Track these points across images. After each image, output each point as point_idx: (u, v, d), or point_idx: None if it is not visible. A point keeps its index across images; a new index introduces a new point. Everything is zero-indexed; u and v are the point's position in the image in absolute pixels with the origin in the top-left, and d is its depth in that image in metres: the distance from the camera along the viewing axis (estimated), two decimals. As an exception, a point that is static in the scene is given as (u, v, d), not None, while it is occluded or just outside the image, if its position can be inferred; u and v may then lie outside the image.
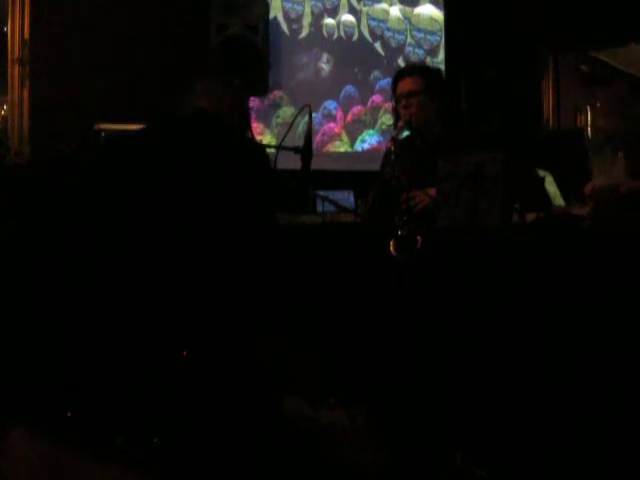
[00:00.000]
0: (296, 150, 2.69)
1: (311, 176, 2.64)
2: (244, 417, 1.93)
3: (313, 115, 4.65)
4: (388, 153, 2.82)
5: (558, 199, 3.43)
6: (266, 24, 4.13)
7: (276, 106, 4.54)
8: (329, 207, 3.06)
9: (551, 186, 3.43)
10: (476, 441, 2.10)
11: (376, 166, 3.11)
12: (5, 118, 3.74)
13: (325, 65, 4.79)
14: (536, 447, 2.02)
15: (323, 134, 4.75)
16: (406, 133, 2.94)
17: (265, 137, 4.50)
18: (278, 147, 2.69)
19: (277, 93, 4.56)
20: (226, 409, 1.91)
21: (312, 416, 2.10)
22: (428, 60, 5.25)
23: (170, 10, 4.11)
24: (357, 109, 4.90)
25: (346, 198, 4.03)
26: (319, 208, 3.51)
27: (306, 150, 2.63)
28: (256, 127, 4.43)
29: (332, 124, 4.79)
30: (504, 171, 2.34)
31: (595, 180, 1.45)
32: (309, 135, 2.65)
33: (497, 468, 2.03)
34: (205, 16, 3.97)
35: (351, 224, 3.01)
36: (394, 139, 2.75)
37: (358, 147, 4.88)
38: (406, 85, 2.89)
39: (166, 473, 1.81)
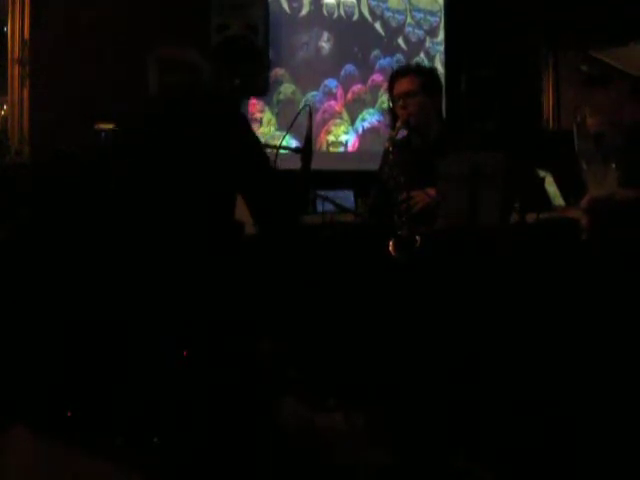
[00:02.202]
0: (296, 150, 2.68)
1: (311, 176, 2.64)
2: (243, 418, 1.93)
3: (314, 93, 4.75)
4: (386, 153, 2.81)
5: (558, 199, 3.43)
6: (266, 24, 4.13)
7: (277, 83, 4.55)
8: (329, 207, 3.06)
9: (551, 186, 3.43)
10: (476, 441, 2.10)
11: (376, 165, 3.11)
12: (5, 118, 3.73)
13: (325, 44, 4.80)
14: (537, 447, 2.02)
15: (324, 112, 4.77)
16: (404, 133, 2.95)
17: (265, 115, 4.50)
18: (278, 147, 2.68)
19: (278, 70, 4.57)
20: (225, 409, 1.91)
21: (309, 418, 2.11)
22: (428, 40, 5.26)
23: (170, 10, 4.10)
24: (357, 88, 4.92)
25: (346, 198, 4.03)
26: (319, 208, 3.50)
27: (306, 150, 2.62)
28: (256, 104, 4.44)
29: (333, 102, 4.82)
30: (504, 171, 2.34)
31: (591, 192, 1.45)
32: (309, 135, 2.64)
33: (498, 468, 2.03)
34: (205, 16, 3.97)
35: (351, 224, 3.01)
36: (392, 139, 2.75)
37: (358, 125, 4.91)
38: (403, 85, 2.89)
39: (166, 473, 1.81)
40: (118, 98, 3.78)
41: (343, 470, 2.02)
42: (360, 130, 4.92)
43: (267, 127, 4.50)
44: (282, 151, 2.67)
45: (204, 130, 2.05)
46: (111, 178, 2.00)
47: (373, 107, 4.98)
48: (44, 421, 1.85)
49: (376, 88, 4.99)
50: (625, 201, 1.47)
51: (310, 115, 2.65)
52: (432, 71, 3.05)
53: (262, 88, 4.20)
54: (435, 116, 2.95)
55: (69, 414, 1.85)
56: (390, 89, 2.95)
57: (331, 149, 4.81)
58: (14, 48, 3.75)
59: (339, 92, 4.84)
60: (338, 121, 4.84)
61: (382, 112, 4.90)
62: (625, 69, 2.00)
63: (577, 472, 1.93)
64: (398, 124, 2.84)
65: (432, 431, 2.17)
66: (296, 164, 2.68)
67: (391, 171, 2.66)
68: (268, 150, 2.65)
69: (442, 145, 2.80)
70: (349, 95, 4.89)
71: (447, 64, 5.29)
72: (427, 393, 2.23)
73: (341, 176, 4.37)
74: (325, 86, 4.79)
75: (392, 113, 2.94)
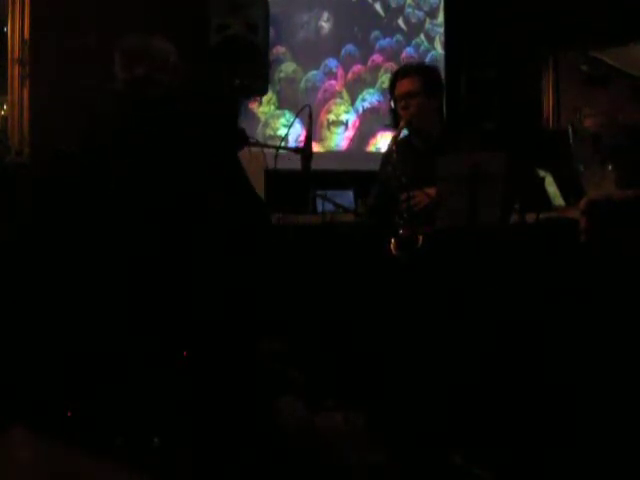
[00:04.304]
0: (296, 150, 2.69)
1: (311, 176, 2.64)
2: (243, 418, 1.93)
3: (314, 72, 4.79)
4: (389, 153, 2.82)
5: (558, 199, 3.44)
6: (266, 24, 4.13)
7: (278, 61, 4.59)
8: (329, 207, 3.06)
9: (551, 186, 3.43)
10: (476, 441, 2.10)
11: (376, 166, 3.11)
12: (5, 118, 3.73)
13: (325, 24, 4.85)
14: (536, 447, 2.02)
15: (324, 91, 4.82)
16: (406, 133, 2.95)
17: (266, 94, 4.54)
18: (278, 147, 2.69)
19: (279, 49, 4.62)
20: (226, 409, 1.91)
21: (309, 418, 2.10)
22: (427, 22, 5.26)
23: (170, 10, 4.10)
24: (357, 68, 4.96)
25: (346, 198, 4.03)
26: (319, 208, 3.51)
27: (306, 150, 2.62)
28: (257, 83, 4.46)
29: (333, 81, 4.86)
30: (504, 170, 2.34)
31: (588, 194, 1.45)
32: (309, 135, 2.64)
33: (498, 468, 2.03)
34: (205, 16, 3.97)
35: (351, 224, 3.01)
36: (395, 139, 2.75)
37: (359, 105, 4.95)
38: (404, 86, 2.89)
39: (166, 473, 1.81)
40: (114, 99, 3.78)
41: (343, 470, 2.02)
42: (360, 110, 4.95)
43: (267, 106, 4.53)
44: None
45: (171, 129, 1.99)
46: (111, 178, 2.00)
47: (373, 87, 5.01)
48: (44, 421, 1.84)
49: (376, 68, 5.02)
50: (623, 202, 1.47)
51: (310, 115, 2.66)
52: (434, 71, 3.04)
53: (262, 88, 4.20)
54: (436, 116, 2.95)
55: (69, 414, 1.85)
56: (392, 89, 2.95)
57: (332, 128, 4.84)
58: (14, 48, 3.75)
59: (339, 72, 4.88)
60: (338, 100, 4.88)
61: (382, 92, 4.93)
62: (625, 69, 2.00)
63: (577, 472, 1.93)
64: (401, 124, 2.84)
65: (431, 431, 2.17)
66: (296, 164, 2.68)
67: (394, 171, 2.67)
68: (267, 150, 2.66)
69: (443, 145, 2.80)
70: (349, 75, 4.93)
71: (447, 46, 5.27)
72: (427, 393, 2.23)
73: (341, 176, 4.37)
74: (325, 66, 4.83)
75: (394, 113, 2.94)
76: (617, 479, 1.87)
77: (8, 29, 3.75)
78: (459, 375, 2.19)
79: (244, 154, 2.62)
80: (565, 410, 2.02)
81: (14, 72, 3.74)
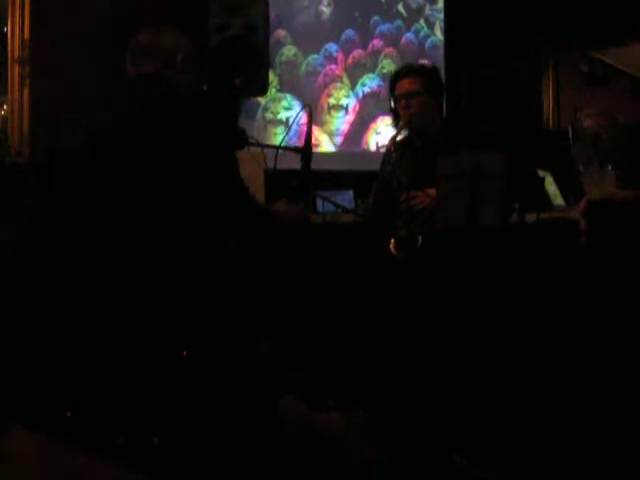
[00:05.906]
0: (296, 150, 2.68)
1: (311, 176, 2.64)
2: (243, 417, 1.93)
3: (315, 56, 4.84)
4: (388, 153, 2.82)
5: (558, 199, 3.44)
6: (266, 23, 4.13)
7: (279, 45, 4.65)
8: (329, 207, 3.06)
9: (551, 186, 3.44)
10: (476, 441, 2.10)
11: (376, 166, 3.11)
12: (5, 118, 3.74)
13: (325, 8, 4.90)
14: (536, 447, 2.02)
15: (325, 75, 4.87)
16: (406, 133, 2.95)
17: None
18: (278, 147, 2.68)
19: (281, 32, 4.67)
20: (225, 409, 1.91)
21: (308, 417, 2.10)
22: (427, 8, 5.27)
23: (170, 10, 4.11)
24: (357, 52, 5.00)
25: (346, 198, 4.03)
26: (319, 208, 3.50)
27: (306, 150, 2.62)
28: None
29: (333, 66, 4.91)
30: (504, 170, 2.35)
31: (588, 195, 1.45)
32: (309, 135, 2.64)
33: (498, 468, 2.03)
34: (205, 16, 3.97)
35: (351, 224, 3.01)
36: (394, 139, 2.75)
37: (359, 90, 4.99)
38: (405, 86, 2.89)
39: (166, 473, 1.81)
40: (118, 98, 3.78)
41: (343, 470, 2.02)
42: (360, 94, 4.99)
43: (267, 149, 4.54)
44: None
45: (172, 130, 1.97)
46: (111, 178, 2.00)
47: (373, 72, 5.04)
48: (44, 421, 1.84)
49: (376, 53, 5.06)
50: (623, 202, 1.47)
51: (310, 115, 2.65)
52: (435, 71, 3.05)
53: (262, 88, 4.20)
54: (437, 116, 2.95)
55: (69, 414, 1.85)
56: (392, 89, 2.95)
57: (332, 112, 4.88)
58: (14, 48, 3.75)
59: (339, 56, 4.93)
60: (339, 85, 4.92)
61: (382, 77, 4.96)
62: (625, 69, 2.00)
63: (577, 472, 1.93)
64: (400, 124, 2.84)
65: (432, 431, 2.17)
66: (296, 164, 2.68)
67: (394, 171, 2.67)
68: (267, 150, 2.65)
69: (443, 145, 2.80)
70: (349, 60, 4.97)
71: (447, 32, 5.29)
72: (427, 393, 2.23)
73: (341, 176, 4.37)
74: (326, 50, 4.88)
75: (394, 113, 2.94)
76: (617, 479, 1.87)
77: (8, 29, 3.76)
78: (459, 375, 2.19)
79: (244, 154, 2.62)
80: (565, 410, 2.02)
81: (14, 72, 3.74)
